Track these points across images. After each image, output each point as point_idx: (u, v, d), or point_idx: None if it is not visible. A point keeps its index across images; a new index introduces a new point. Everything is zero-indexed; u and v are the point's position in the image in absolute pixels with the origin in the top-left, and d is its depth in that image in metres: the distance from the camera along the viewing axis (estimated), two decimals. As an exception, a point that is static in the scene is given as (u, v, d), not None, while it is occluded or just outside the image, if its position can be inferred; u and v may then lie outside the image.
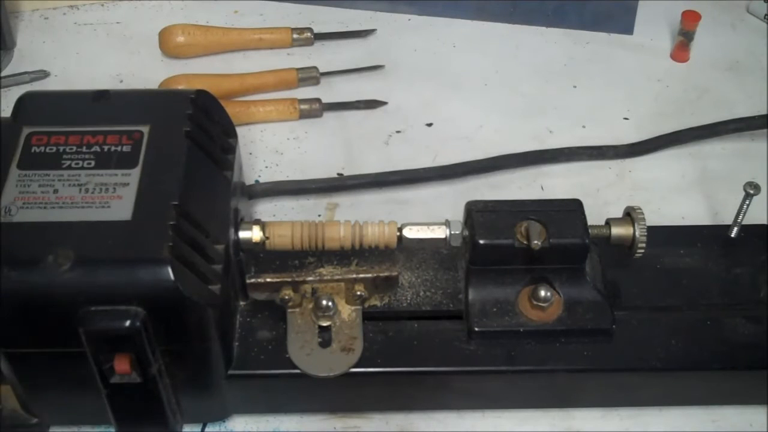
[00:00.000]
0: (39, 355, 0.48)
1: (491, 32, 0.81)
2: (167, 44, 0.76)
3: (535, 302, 0.53)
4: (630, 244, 0.55)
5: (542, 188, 0.69)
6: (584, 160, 0.70)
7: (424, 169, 0.68)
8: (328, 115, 0.73)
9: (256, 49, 0.78)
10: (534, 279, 0.54)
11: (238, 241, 0.53)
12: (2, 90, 0.74)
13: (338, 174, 0.69)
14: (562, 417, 0.56)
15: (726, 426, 0.56)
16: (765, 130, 0.71)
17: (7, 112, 0.53)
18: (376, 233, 0.53)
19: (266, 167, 0.70)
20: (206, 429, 0.55)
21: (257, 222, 0.54)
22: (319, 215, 0.66)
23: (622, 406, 0.56)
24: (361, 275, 0.53)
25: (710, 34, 0.79)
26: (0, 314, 0.45)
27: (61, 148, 0.50)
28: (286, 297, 0.52)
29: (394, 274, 0.53)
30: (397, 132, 0.73)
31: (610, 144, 0.71)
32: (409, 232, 0.53)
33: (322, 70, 0.75)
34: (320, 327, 0.53)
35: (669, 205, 0.67)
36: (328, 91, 0.75)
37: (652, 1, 0.81)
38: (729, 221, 0.59)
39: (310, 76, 0.75)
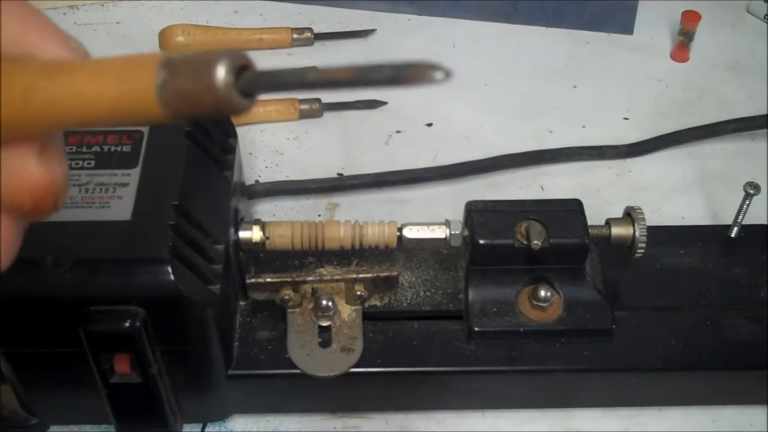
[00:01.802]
0: (39, 355, 0.48)
1: (491, 32, 0.81)
2: (167, 44, 0.76)
3: (535, 302, 0.53)
4: (630, 244, 0.55)
5: (542, 188, 0.69)
6: (584, 160, 0.70)
7: (424, 169, 0.68)
8: (328, 115, 0.73)
9: (256, 49, 0.78)
10: (534, 279, 0.54)
11: (238, 241, 0.53)
12: (2, 90, 0.74)
13: (338, 174, 0.69)
14: (562, 417, 0.56)
15: (726, 426, 0.56)
16: (765, 130, 0.71)
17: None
18: (376, 233, 0.53)
19: (266, 167, 0.70)
20: (206, 429, 0.55)
21: (257, 222, 0.54)
22: (319, 215, 0.66)
23: (622, 406, 0.56)
24: (361, 275, 0.53)
25: (710, 34, 0.79)
26: (0, 314, 0.45)
27: (61, 148, 0.50)
28: (286, 297, 0.52)
29: (394, 274, 0.53)
30: (397, 132, 0.73)
31: (610, 144, 0.71)
32: (409, 232, 0.53)
33: (322, 70, 0.75)
34: (320, 327, 0.53)
35: (669, 205, 0.67)
36: (328, 91, 0.74)
37: (652, 1, 0.81)
38: (729, 221, 0.59)
39: (309, 76, 0.75)
